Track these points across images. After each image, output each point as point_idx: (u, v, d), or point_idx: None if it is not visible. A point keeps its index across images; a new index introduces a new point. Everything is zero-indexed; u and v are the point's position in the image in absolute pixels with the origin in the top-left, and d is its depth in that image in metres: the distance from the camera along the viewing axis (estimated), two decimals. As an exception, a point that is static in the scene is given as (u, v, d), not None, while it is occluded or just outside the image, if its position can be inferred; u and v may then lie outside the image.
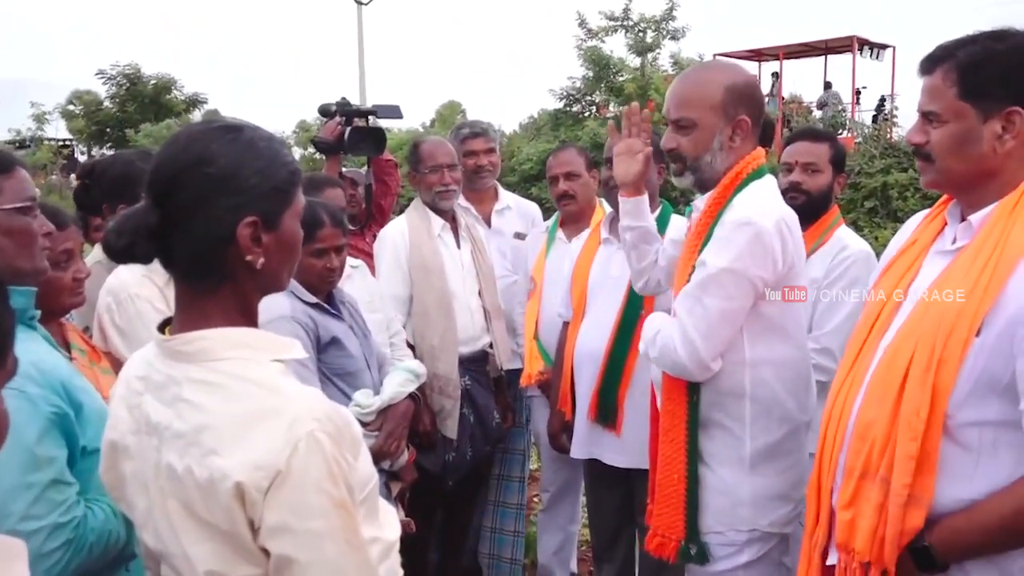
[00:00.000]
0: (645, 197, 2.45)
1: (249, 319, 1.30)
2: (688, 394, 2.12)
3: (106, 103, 27.17)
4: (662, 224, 2.88)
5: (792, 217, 2.13)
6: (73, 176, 19.75)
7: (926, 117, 1.67)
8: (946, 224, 1.75)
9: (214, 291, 1.27)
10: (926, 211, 1.88)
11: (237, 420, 1.18)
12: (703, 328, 2.03)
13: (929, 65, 1.67)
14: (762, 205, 2.08)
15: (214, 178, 1.23)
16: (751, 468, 2.12)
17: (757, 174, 2.15)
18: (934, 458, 1.54)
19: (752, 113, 2.15)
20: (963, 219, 1.69)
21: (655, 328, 2.16)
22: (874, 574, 1.59)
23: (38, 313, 1.69)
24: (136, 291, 2.27)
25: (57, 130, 28.11)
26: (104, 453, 1.36)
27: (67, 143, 28.16)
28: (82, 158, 26.18)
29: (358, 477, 1.26)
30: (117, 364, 1.98)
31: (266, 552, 1.17)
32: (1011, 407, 1.51)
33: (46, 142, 26.05)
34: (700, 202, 2.19)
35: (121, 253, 1.27)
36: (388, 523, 1.41)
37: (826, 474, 1.74)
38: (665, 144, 2.20)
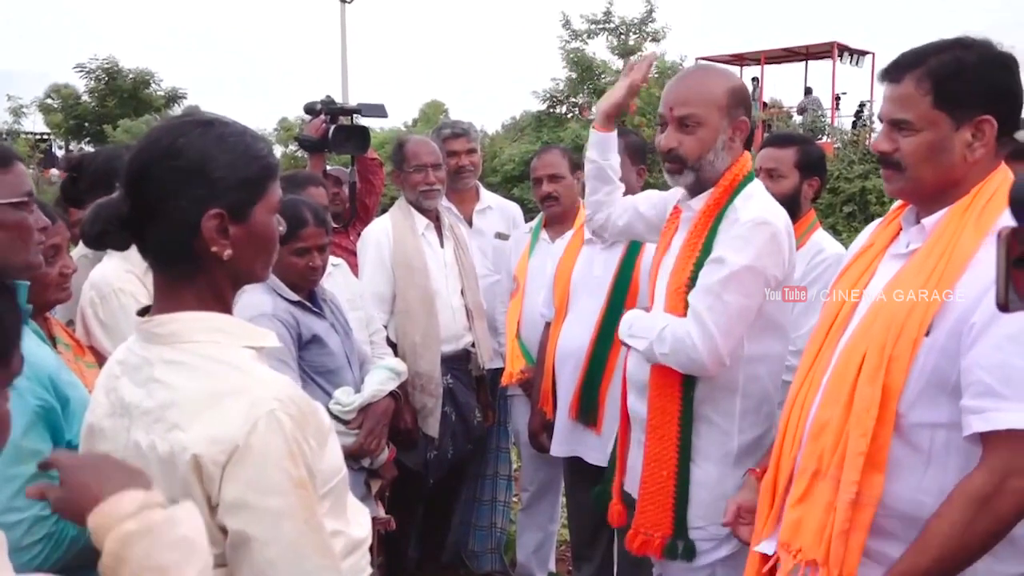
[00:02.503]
0: (613, 135, 2.49)
1: (223, 307, 1.33)
2: (682, 390, 2.13)
3: (84, 97, 26.87)
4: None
5: (790, 221, 2.19)
6: (54, 171, 19.52)
7: (895, 125, 1.66)
8: (901, 229, 1.76)
9: (187, 279, 1.30)
10: (882, 218, 1.90)
11: (201, 397, 1.21)
12: (723, 324, 2.05)
13: (896, 73, 1.66)
14: (770, 207, 2.14)
15: (180, 171, 1.26)
16: (735, 462, 2.15)
17: (749, 177, 2.20)
18: (884, 455, 1.55)
19: (749, 116, 2.21)
20: (917, 222, 1.71)
21: (661, 324, 2.13)
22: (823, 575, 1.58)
23: (30, 308, 1.69)
24: (120, 286, 2.27)
25: (34, 124, 27.74)
26: (82, 437, 1.38)
27: (44, 137, 27.80)
28: (59, 153, 25.86)
29: (324, 467, 1.28)
30: (101, 358, 1.98)
31: (224, 531, 1.19)
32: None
33: (23, 136, 25.68)
34: (696, 202, 2.21)
35: (95, 240, 1.32)
36: (357, 521, 1.42)
37: (782, 474, 1.75)
38: (665, 144, 2.19)
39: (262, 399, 1.19)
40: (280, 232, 1.38)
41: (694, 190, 2.23)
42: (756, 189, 2.19)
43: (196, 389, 1.22)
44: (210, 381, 1.22)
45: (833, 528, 1.57)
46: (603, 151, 2.48)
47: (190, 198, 1.25)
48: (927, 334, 1.53)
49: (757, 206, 2.12)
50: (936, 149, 1.62)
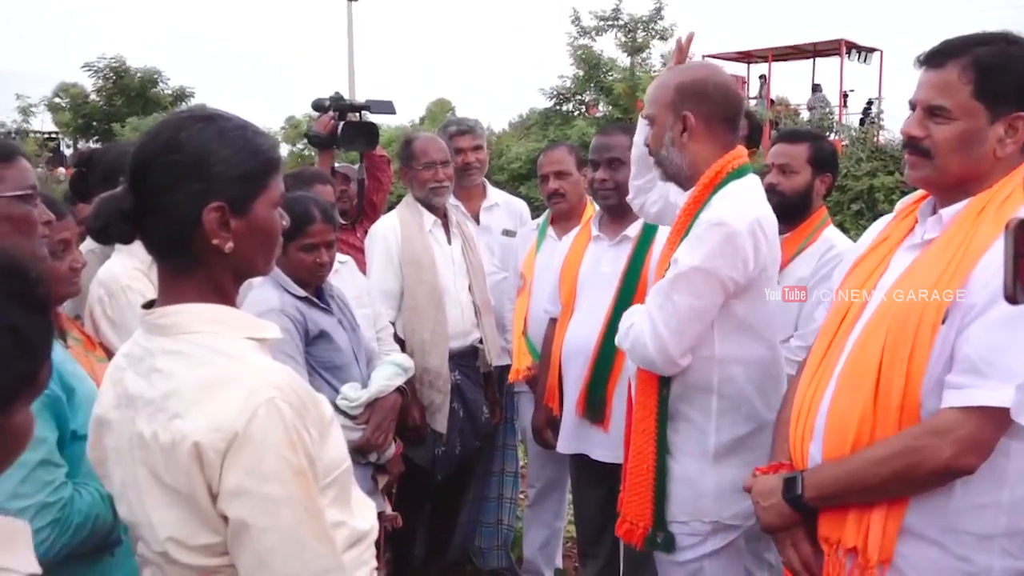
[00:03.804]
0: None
1: (224, 299, 1.34)
2: (659, 387, 2.16)
3: (92, 96, 26.95)
4: (654, 224, 2.90)
5: (769, 220, 2.15)
6: (62, 169, 19.57)
7: (929, 111, 1.64)
8: (917, 222, 1.76)
9: (189, 271, 1.31)
10: (892, 214, 1.90)
11: (201, 385, 1.22)
12: (672, 324, 2.06)
13: (939, 59, 1.64)
14: (737, 206, 2.09)
15: (181, 165, 1.28)
16: (714, 461, 2.16)
17: (738, 173, 2.16)
18: None
19: (701, 110, 2.16)
20: (935, 213, 1.71)
21: (630, 321, 2.20)
22: (860, 562, 1.61)
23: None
24: (127, 283, 2.29)
25: (43, 123, 27.83)
26: (91, 429, 1.40)
27: (53, 136, 27.89)
28: (68, 151, 25.95)
29: (326, 458, 1.29)
30: (111, 354, 1.99)
31: (225, 520, 1.20)
32: None
33: (31, 135, 25.76)
34: (681, 199, 2.23)
35: (99, 233, 1.34)
36: (361, 513, 1.43)
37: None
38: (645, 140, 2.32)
39: (262, 387, 1.21)
40: (283, 226, 1.39)
41: (676, 184, 2.28)
42: (738, 187, 2.15)
43: (196, 378, 1.23)
44: (210, 370, 1.24)
45: (871, 515, 1.60)
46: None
47: (190, 192, 1.27)
48: (943, 321, 1.54)
49: (723, 206, 2.09)
50: (969, 140, 1.61)
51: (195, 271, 1.31)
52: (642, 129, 2.48)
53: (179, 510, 1.22)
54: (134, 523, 1.31)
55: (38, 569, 0.98)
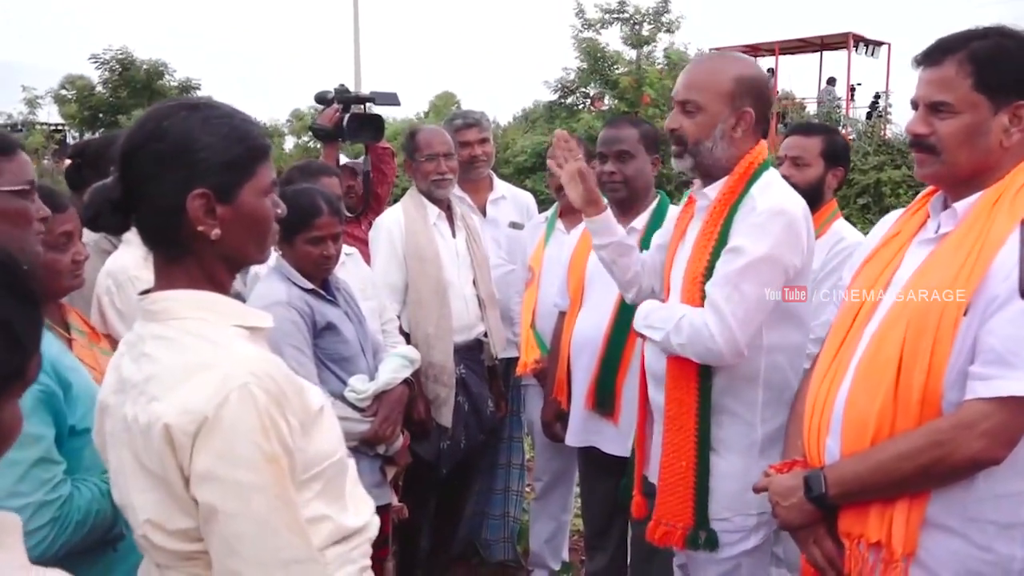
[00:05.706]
0: (607, 212, 2.43)
1: (216, 287, 1.34)
2: (699, 381, 2.11)
3: (99, 88, 26.95)
4: (660, 216, 2.89)
5: (808, 209, 2.17)
6: (68, 161, 19.60)
7: (932, 108, 1.66)
8: (929, 216, 1.76)
9: (179, 259, 1.32)
10: (903, 209, 1.89)
11: (179, 369, 1.23)
12: (740, 314, 2.02)
13: (937, 55, 1.66)
14: (788, 194, 2.12)
15: (164, 153, 1.28)
16: (760, 453, 2.13)
17: (765, 166, 2.17)
18: None
19: (758, 107, 2.16)
20: (946, 207, 1.71)
21: (678, 314, 2.11)
22: (885, 556, 1.61)
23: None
24: (136, 274, 2.28)
25: (49, 115, 27.84)
26: (95, 415, 1.40)
27: (59, 128, 27.90)
28: (74, 143, 25.94)
29: (310, 450, 1.29)
30: (116, 345, 1.98)
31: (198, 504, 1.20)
32: None
33: (38, 126, 25.81)
34: (712, 191, 2.19)
35: (90, 223, 1.35)
36: (356, 509, 1.41)
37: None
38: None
39: (237, 373, 1.21)
40: (278, 214, 1.39)
41: (703, 177, 2.22)
42: (773, 177, 2.17)
43: (177, 363, 1.24)
44: (189, 355, 1.24)
45: (893, 509, 1.60)
46: (609, 231, 2.42)
47: (174, 180, 1.28)
48: (964, 314, 1.54)
49: (774, 195, 2.10)
50: (974, 133, 1.62)
51: (185, 259, 1.32)
52: (602, 227, 2.39)
53: (157, 493, 1.22)
54: (122, 506, 1.32)
55: (28, 567, 0.96)
